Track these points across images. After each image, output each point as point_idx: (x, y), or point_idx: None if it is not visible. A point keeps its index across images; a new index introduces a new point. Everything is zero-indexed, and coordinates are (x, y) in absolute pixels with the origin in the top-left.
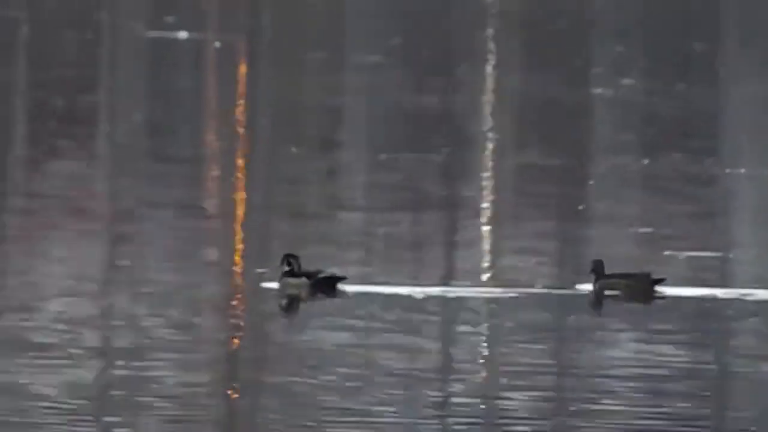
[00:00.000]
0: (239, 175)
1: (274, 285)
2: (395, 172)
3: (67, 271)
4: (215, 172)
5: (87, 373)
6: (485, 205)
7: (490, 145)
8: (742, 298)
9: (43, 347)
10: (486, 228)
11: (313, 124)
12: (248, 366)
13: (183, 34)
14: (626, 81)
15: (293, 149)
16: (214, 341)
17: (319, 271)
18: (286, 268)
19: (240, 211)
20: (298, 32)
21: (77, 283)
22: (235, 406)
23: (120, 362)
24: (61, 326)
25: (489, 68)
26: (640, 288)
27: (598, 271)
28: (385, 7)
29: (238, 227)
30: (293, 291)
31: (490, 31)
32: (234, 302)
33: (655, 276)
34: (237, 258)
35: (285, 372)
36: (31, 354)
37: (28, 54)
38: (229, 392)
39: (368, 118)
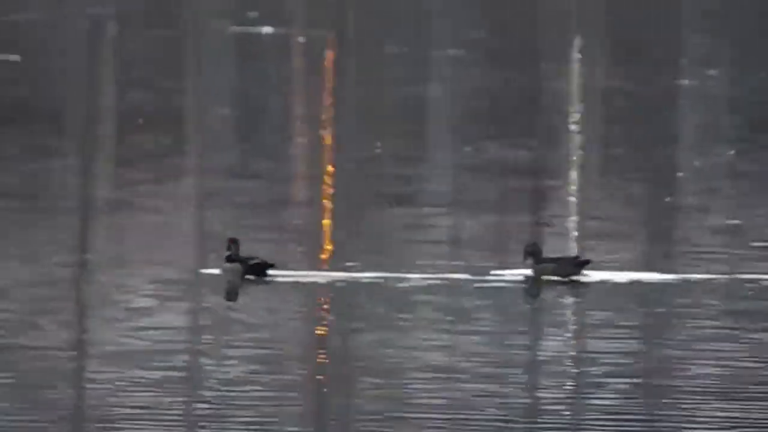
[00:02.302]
0: (325, 169)
1: (216, 270)
2: (479, 165)
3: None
4: (301, 167)
5: None
6: (572, 198)
7: (576, 139)
8: None
9: None
10: (573, 220)
11: (397, 118)
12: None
13: (268, 29)
14: (712, 72)
15: (377, 142)
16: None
17: (252, 258)
18: (227, 253)
19: (327, 204)
20: (382, 26)
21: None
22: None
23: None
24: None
25: (574, 61)
26: (567, 270)
27: (535, 254)
28: (468, 1)
29: (326, 220)
30: (229, 275)
31: (574, 24)
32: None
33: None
34: (327, 248)
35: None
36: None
37: (115, 50)
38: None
39: (451, 112)
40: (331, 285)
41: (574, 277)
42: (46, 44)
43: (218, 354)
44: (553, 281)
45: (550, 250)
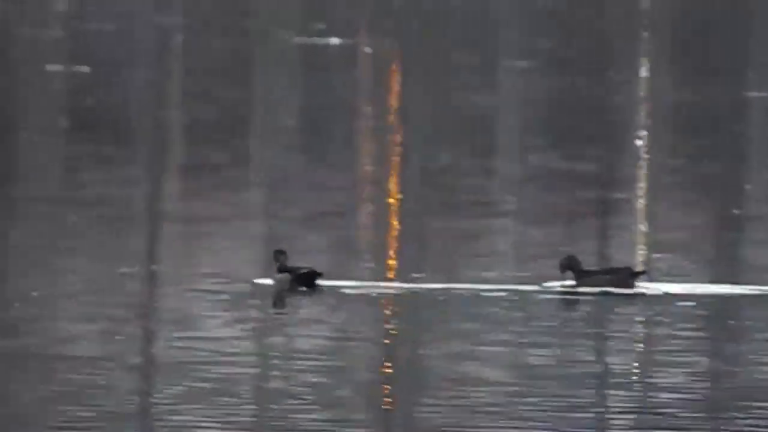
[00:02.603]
0: (393, 179)
1: (268, 281)
2: (545, 175)
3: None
4: (368, 177)
5: None
6: (638, 208)
7: (643, 149)
8: None
9: None
10: (640, 231)
11: (464, 128)
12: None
13: (334, 40)
14: None
15: (444, 154)
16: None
17: (300, 267)
18: (276, 264)
19: (394, 214)
20: (448, 35)
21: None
22: None
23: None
24: None
25: (641, 70)
26: (622, 282)
27: (574, 266)
28: (535, 10)
29: (392, 230)
30: (278, 286)
31: (643, 34)
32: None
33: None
34: (392, 261)
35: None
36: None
37: (182, 61)
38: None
39: (518, 121)
40: (393, 296)
41: (628, 289)
42: (113, 55)
43: (280, 365)
44: (605, 293)
45: (611, 261)
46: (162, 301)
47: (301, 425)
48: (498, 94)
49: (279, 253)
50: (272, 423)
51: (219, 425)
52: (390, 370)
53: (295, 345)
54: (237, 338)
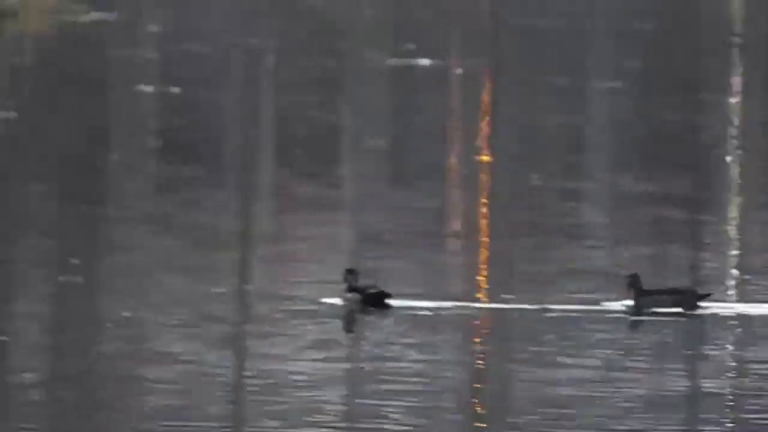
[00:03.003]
0: (483, 200)
1: (337, 300)
2: (635, 196)
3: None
4: (458, 198)
5: None
6: (731, 231)
7: (735, 171)
8: None
9: None
10: (734, 255)
11: (555, 149)
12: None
13: (425, 61)
14: None
15: (535, 175)
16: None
17: (371, 287)
18: (346, 284)
19: (484, 236)
20: (539, 56)
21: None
22: None
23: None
24: None
25: (733, 92)
26: (687, 303)
27: (635, 285)
28: (626, 30)
29: (482, 252)
30: (348, 305)
31: (735, 54)
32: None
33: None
34: (482, 284)
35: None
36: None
37: (274, 80)
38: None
39: (609, 143)
40: (485, 316)
41: (691, 311)
42: (205, 76)
43: (365, 387)
44: (671, 313)
45: (693, 283)
46: (252, 321)
47: None
48: (587, 115)
49: (349, 273)
50: None
51: None
52: (477, 393)
53: (378, 366)
54: (317, 360)
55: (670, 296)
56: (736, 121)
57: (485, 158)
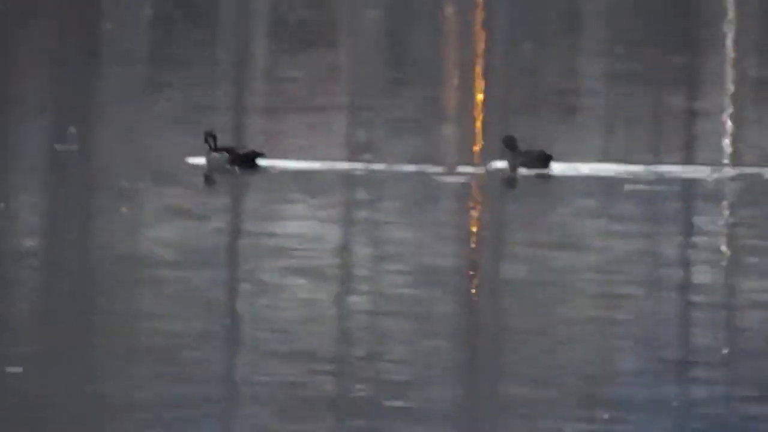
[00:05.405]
0: (477, 71)
1: (201, 160)
2: (632, 64)
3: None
4: (454, 72)
5: None
6: (725, 113)
7: (731, 50)
8: None
9: None
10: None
11: (551, 16)
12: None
13: None
14: None
15: (528, 43)
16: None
17: (239, 147)
18: (208, 145)
19: (478, 107)
20: None
21: None
22: None
23: None
24: None
25: None
26: (536, 162)
27: (510, 145)
28: None
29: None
30: (215, 165)
31: None
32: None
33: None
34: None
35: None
36: None
37: None
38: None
39: (607, 11)
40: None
41: (542, 171)
42: None
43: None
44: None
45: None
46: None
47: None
48: None
49: (209, 135)
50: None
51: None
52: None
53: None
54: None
55: (532, 157)
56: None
57: (481, 32)
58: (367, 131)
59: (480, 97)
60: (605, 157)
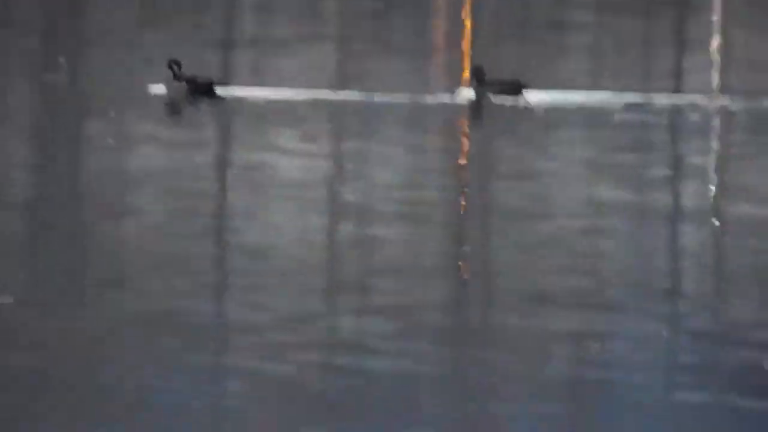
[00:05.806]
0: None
1: (162, 89)
2: None
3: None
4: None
5: None
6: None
7: None
8: None
9: None
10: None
11: None
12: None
13: None
14: None
15: None
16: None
17: (198, 76)
18: (171, 73)
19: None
20: None
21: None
22: None
23: None
24: None
25: None
26: (512, 91)
27: (479, 76)
28: None
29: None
30: (173, 94)
31: None
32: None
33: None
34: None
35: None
36: None
37: None
38: None
39: None
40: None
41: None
42: None
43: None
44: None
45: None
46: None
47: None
48: None
49: (173, 63)
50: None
51: None
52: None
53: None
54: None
55: (500, 86)
56: None
57: None
58: (346, 59)
59: (468, 24)
60: (576, 86)
